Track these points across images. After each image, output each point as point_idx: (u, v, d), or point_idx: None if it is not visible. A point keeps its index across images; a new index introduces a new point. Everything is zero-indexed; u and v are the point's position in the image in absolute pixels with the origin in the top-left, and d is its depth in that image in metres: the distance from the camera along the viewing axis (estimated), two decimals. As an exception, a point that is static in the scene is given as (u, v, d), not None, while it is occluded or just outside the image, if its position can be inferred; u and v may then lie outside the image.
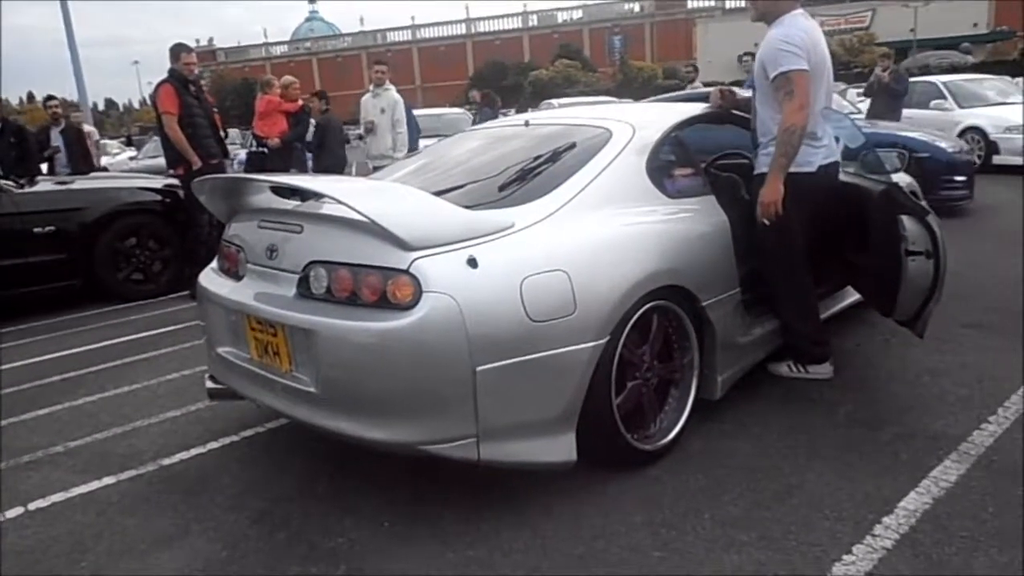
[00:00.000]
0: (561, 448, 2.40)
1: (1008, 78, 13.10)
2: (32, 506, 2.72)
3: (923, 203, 3.23)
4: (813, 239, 3.19)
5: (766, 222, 3.02)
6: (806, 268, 3.18)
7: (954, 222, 5.80)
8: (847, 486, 2.46)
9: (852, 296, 3.88)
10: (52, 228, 5.78)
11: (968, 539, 2.14)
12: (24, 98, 61.92)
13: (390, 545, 2.31)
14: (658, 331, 2.71)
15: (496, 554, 2.22)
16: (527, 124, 3.44)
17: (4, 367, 4.49)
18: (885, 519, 2.26)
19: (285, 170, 7.35)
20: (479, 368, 2.19)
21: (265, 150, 7.74)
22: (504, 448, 2.31)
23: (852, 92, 13.69)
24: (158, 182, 6.68)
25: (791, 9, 3.11)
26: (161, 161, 6.64)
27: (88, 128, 10.35)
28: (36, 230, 5.72)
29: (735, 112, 3.48)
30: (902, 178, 4.03)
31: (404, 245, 2.21)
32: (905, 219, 3.04)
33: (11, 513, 2.68)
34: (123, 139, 23.94)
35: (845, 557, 2.10)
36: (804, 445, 2.76)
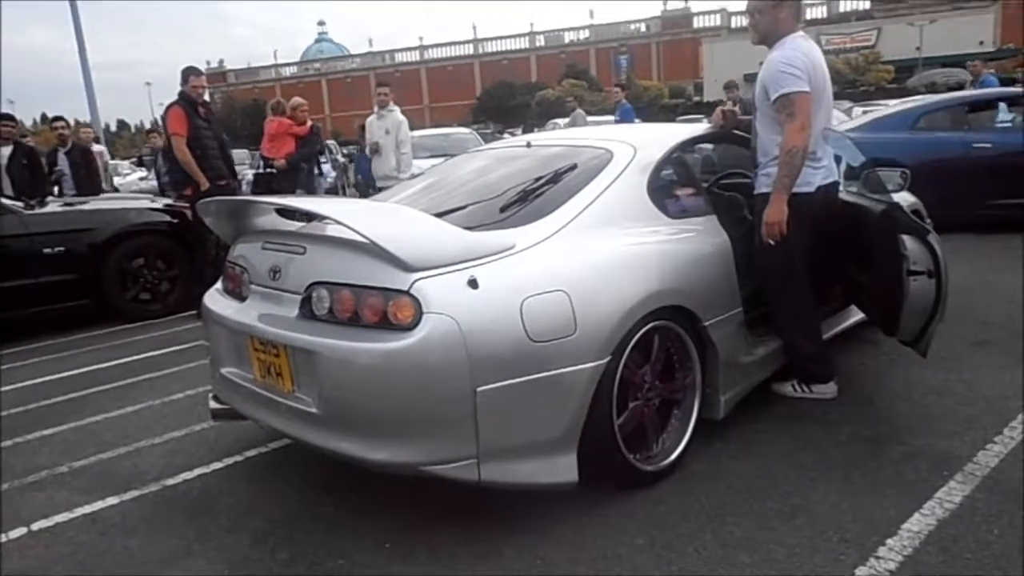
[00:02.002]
0: (562, 469, 2.39)
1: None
2: (36, 526, 2.72)
3: (925, 222, 3.23)
4: (815, 259, 3.20)
5: (771, 242, 3.03)
6: (807, 288, 3.18)
7: (955, 238, 5.79)
8: (851, 507, 2.45)
9: (856, 315, 3.87)
10: (62, 249, 5.84)
11: (972, 561, 2.12)
12: (37, 119, 62.61)
13: (391, 566, 2.30)
14: (660, 351, 2.71)
15: (497, 574, 2.21)
16: (529, 145, 3.47)
17: (11, 388, 4.53)
18: (889, 541, 2.24)
19: (291, 191, 7.41)
20: (480, 389, 2.20)
21: (272, 171, 7.81)
22: (505, 469, 2.31)
23: (857, 110, 13.72)
24: (158, 203, 6.76)
25: (792, 31, 3.14)
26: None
27: (98, 148, 10.47)
28: (46, 251, 5.78)
29: (736, 132, 3.50)
30: (904, 197, 4.03)
31: (405, 266, 2.22)
32: (906, 238, 3.04)
33: (14, 533, 2.68)
34: (134, 160, 24.20)
35: (848, 579, 2.08)
36: (808, 465, 2.75)
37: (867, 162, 3.49)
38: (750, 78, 3.24)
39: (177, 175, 6.05)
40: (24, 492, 3.03)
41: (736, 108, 7.78)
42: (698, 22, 61.19)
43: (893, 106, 8.36)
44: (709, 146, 3.87)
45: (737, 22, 56.99)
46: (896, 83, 32.65)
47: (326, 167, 9.16)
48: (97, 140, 10.95)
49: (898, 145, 6.87)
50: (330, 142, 9.82)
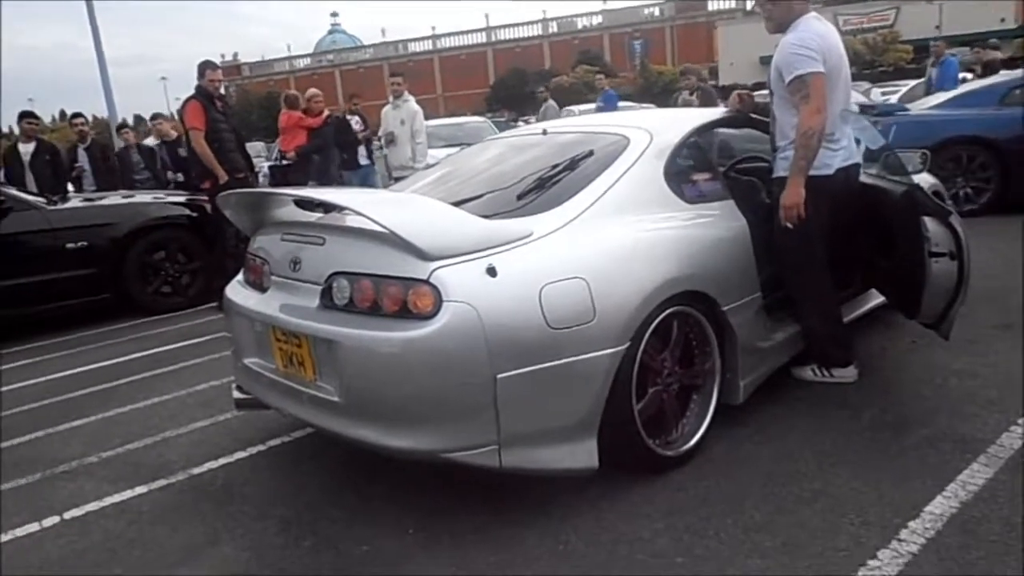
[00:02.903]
0: (582, 454, 2.41)
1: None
2: (67, 515, 2.79)
3: (946, 204, 3.20)
4: (834, 242, 3.18)
5: (788, 226, 3.02)
6: (826, 271, 3.16)
7: (979, 221, 5.71)
8: (872, 490, 2.44)
9: (876, 299, 3.84)
10: (84, 243, 5.92)
11: (996, 543, 2.11)
12: (56, 116, 63.20)
13: (414, 552, 2.33)
14: (678, 337, 2.71)
15: (518, 560, 2.24)
16: (545, 132, 3.46)
17: (38, 380, 4.61)
18: (911, 523, 2.23)
19: (303, 183, 7.43)
20: (500, 376, 2.21)
21: (287, 163, 7.86)
22: (526, 455, 2.33)
23: (876, 92, 13.53)
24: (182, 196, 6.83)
25: (804, 12, 3.11)
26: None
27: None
28: (68, 246, 5.87)
29: (753, 116, 3.47)
30: (925, 179, 3.98)
31: (424, 255, 2.24)
32: (928, 220, 3.01)
33: (47, 522, 2.75)
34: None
35: (870, 562, 2.08)
36: (828, 449, 2.74)
37: (887, 144, 3.45)
38: (766, 61, 3.21)
39: (197, 168, 6.11)
40: (55, 482, 3.10)
41: (692, 98, 7.34)
42: (712, 5, 60.45)
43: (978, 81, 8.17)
44: (726, 130, 3.83)
45: (752, 4, 56.29)
46: (915, 63, 32.10)
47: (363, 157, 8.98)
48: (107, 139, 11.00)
49: (986, 121, 6.81)
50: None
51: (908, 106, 8.02)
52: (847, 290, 3.62)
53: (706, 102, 7.72)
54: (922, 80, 12.37)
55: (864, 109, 8.30)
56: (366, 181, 8.31)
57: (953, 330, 3.14)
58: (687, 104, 8.07)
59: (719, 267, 2.84)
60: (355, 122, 8.33)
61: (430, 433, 2.28)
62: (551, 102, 11.64)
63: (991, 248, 5.19)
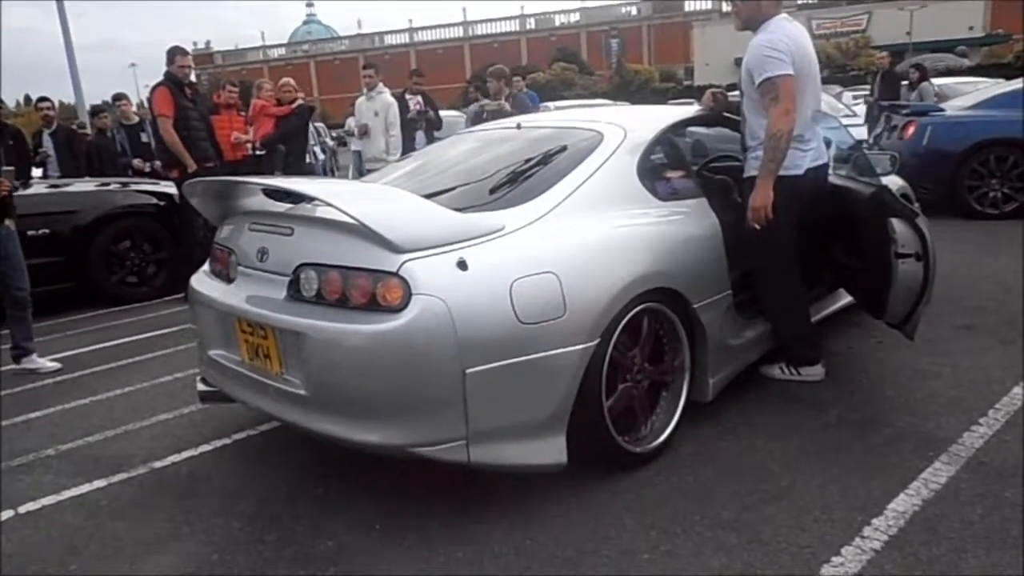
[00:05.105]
0: (551, 450, 2.40)
1: (1003, 80, 13.15)
2: (23, 509, 2.71)
3: (914, 206, 3.25)
4: (803, 241, 3.20)
5: (756, 227, 3.04)
6: (796, 270, 3.19)
7: (942, 223, 5.83)
8: (837, 488, 2.47)
9: (845, 299, 3.88)
10: (47, 231, 5.78)
11: (956, 540, 2.15)
12: (21, 101, 61.78)
13: (380, 548, 2.31)
14: (649, 333, 2.71)
15: (486, 556, 2.22)
16: (519, 127, 3.45)
17: (-3, 370, 4.49)
18: (874, 520, 2.26)
19: (269, 172, 7.31)
20: (469, 370, 2.19)
21: (258, 153, 7.72)
22: (494, 450, 2.31)
23: (848, 95, 13.71)
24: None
25: (774, 13, 3.13)
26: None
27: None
28: (30, 233, 5.69)
29: (727, 115, 3.49)
30: (893, 180, 4.04)
31: (394, 248, 2.21)
32: (895, 222, 3.05)
33: (2, 516, 2.67)
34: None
35: (834, 559, 2.10)
36: (795, 447, 2.77)
37: (856, 144, 3.49)
38: (740, 62, 3.24)
39: (164, 156, 5.99)
40: (12, 475, 3.01)
41: (506, 104, 6.89)
42: (689, 5, 60.89)
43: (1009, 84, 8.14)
44: (700, 128, 3.85)
45: (728, 6, 56.74)
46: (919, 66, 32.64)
47: (315, 149, 8.97)
48: (82, 126, 10.72)
49: (1020, 123, 6.80)
50: (319, 124, 9.51)
51: (943, 106, 7.92)
52: (815, 289, 3.65)
53: (520, 109, 6.86)
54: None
55: (897, 108, 8.29)
56: None
57: (918, 330, 3.18)
58: (494, 115, 6.55)
59: (690, 264, 2.85)
60: (414, 102, 7.93)
61: (397, 427, 2.25)
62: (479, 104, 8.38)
63: (953, 250, 5.30)
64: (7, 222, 4.32)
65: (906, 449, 2.70)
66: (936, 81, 12.23)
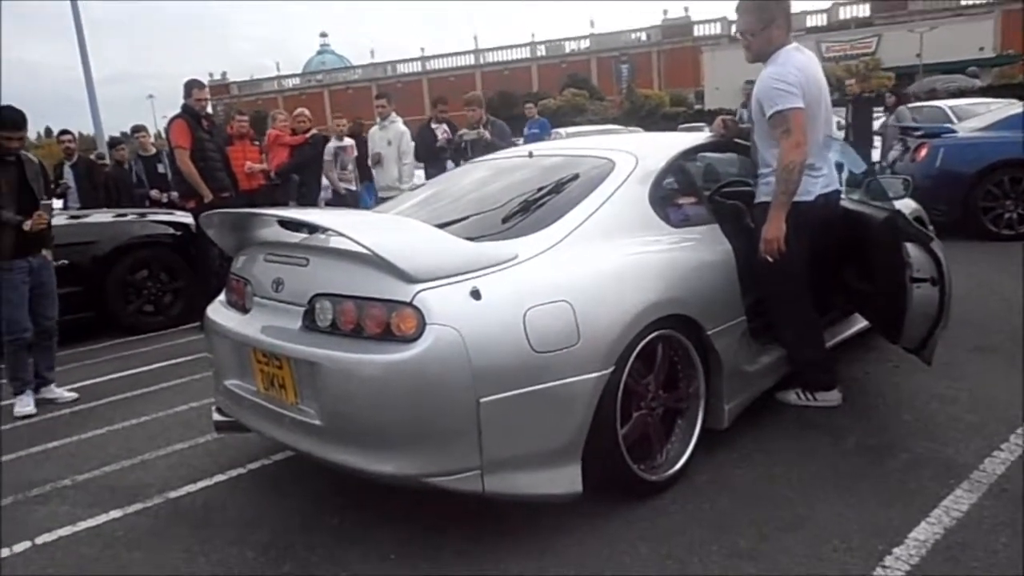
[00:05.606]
0: (566, 480, 2.39)
1: (1014, 101, 13.11)
2: (39, 540, 2.72)
3: (928, 229, 3.23)
4: (817, 266, 3.19)
5: (769, 259, 3.03)
6: (809, 296, 3.18)
7: (957, 246, 5.79)
8: (857, 516, 2.43)
9: (860, 323, 3.86)
10: (65, 261, 5.84)
11: (981, 570, 2.11)
12: (42, 133, 62.88)
13: (395, 579, 2.30)
14: (663, 361, 2.71)
15: (501, 587, 2.20)
16: (531, 155, 3.47)
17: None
18: (895, 550, 2.23)
19: (283, 202, 7.39)
20: (483, 400, 2.19)
21: (274, 182, 7.82)
22: (509, 480, 2.30)
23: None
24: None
25: (784, 43, 3.14)
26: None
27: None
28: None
29: (737, 141, 3.50)
30: (907, 204, 4.03)
31: (407, 277, 2.22)
32: (909, 246, 3.04)
33: (18, 547, 2.68)
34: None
35: (855, 589, 2.07)
36: (813, 474, 2.74)
37: (869, 169, 3.49)
38: (750, 84, 3.25)
39: (182, 187, 6.08)
40: (27, 506, 3.03)
41: (485, 132, 6.65)
42: (699, 30, 61.24)
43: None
44: (711, 154, 3.86)
45: (736, 31, 56.98)
46: (897, 89, 32.70)
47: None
48: (101, 156, 10.89)
49: None
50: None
51: (956, 127, 7.88)
52: (829, 314, 3.63)
53: (499, 136, 6.86)
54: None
55: (909, 130, 8.28)
56: None
57: (935, 355, 3.15)
58: (474, 144, 6.67)
59: (704, 291, 2.84)
60: (441, 131, 7.66)
61: (412, 458, 2.25)
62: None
63: (970, 274, 5.26)
64: (43, 252, 4.39)
65: (926, 475, 2.66)
66: (949, 103, 12.20)
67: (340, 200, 8.36)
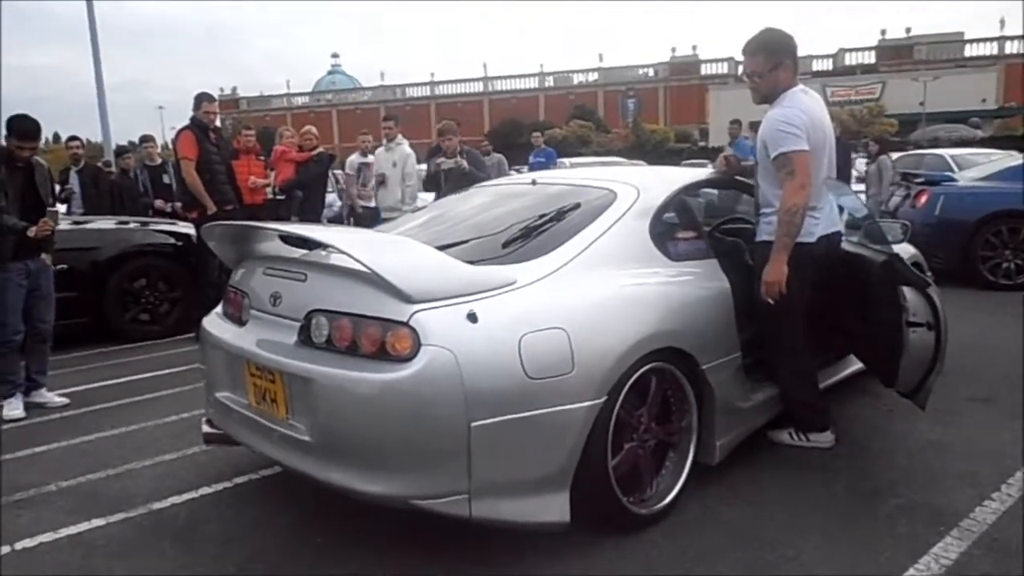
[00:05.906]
0: (554, 509, 2.37)
1: (1014, 153, 13.23)
2: (19, 545, 2.69)
3: (926, 275, 3.25)
4: (815, 307, 3.20)
5: (770, 301, 3.04)
6: (805, 336, 3.18)
7: (955, 293, 5.81)
8: (845, 559, 2.41)
9: (855, 365, 3.86)
10: (64, 266, 5.84)
11: (968, 620, 2.09)
12: (50, 138, 63.24)
13: (376, 601, 2.27)
14: (656, 393, 2.70)
15: (483, 615, 2.18)
16: (534, 183, 3.50)
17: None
18: (883, 596, 2.21)
19: (286, 218, 7.41)
20: (474, 423, 2.19)
21: (278, 197, 7.85)
22: (496, 506, 2.29)
23: (860, 162, 13.81)
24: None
25: (791, 85, 3.18)
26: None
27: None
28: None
29: (739, 179, 3.53)
30: (905, 249, 4.05)
31: (405, 297, 2.23)
32: (906, 290, 3.05)
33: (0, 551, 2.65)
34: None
35: (841, 634, 2.05)
36: (802, 515, 2.72)
37: (869, 213, 3.51)
38: (755, 126, 3.28)
39: (186, 198, 6.11)
40: (11, 510, 3.00)
41: (462, 161, 6.68)
42: (706, 69, 61.99)
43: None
44: (712, 190, 3.89)
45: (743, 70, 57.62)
46: (899, 136, 33.00)
47: (331, 196, 9.07)
48: (107, 164, 10.94)
49: None
50: (338, 172, 9.65)
51: (956, 176, 7.96)
52: (824, 355, 3.63)
53: (476, 165, 6.89)
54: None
55: (910, 177, 8.34)
56: None
57: (929, 400, 3.15)
58: (450, 174, 6.68)
59: (700, 325, 2.85)
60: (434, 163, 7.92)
61: (400, 478, 2.23)
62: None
63: (967, 321, 5.26)
64: (43, 256, 4.40)
65: (917, 522, 2.64)
66: (949, 151, 12.32)
67: (357, 217, 8.41)
